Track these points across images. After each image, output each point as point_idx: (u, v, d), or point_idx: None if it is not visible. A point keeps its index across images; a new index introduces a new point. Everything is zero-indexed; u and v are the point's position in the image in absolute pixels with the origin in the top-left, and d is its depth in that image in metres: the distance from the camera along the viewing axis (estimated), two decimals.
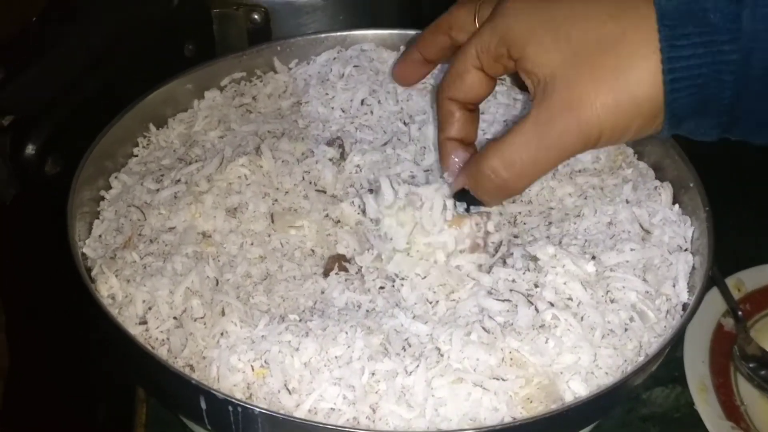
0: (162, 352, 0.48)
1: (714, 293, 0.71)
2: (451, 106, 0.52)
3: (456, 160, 0.53)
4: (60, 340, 0.63)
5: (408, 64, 0.61)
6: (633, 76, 0.41)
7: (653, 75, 0.41)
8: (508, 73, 0.49)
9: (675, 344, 0.66)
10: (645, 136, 0.44)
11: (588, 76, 0.42)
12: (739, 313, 0.69)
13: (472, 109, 0.53)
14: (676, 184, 0.58)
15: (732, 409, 0.63)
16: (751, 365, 0.65)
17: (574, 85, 0.42)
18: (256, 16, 0.77)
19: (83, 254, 0.54)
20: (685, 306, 0.51)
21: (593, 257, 0.51)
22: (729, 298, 0.70)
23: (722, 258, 0.71)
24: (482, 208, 0.53)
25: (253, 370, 0.46)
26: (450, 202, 0.52)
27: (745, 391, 0.64)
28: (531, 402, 0.45)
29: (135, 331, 0.49)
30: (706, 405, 0.63)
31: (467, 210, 0.52)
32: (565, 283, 0.49)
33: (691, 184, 0.56)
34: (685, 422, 0.63)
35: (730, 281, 0.72)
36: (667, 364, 0.67)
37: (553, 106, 0.43)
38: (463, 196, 0.51)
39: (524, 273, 0.50)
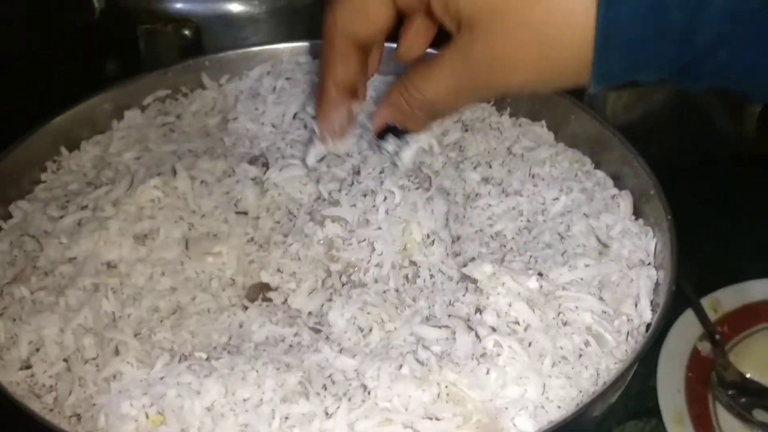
0: (48, 400, 0.42)
1: (689, 315, 0.66)
2: (346, 46, 0.45)
3: (338, 117, 0.47)
4: None
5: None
6: (558, 37, 0.37)
7: (583, 37, 0.36)
8: (415, 10, 0.43)
9: (648, 373, 0.62)
10: (566, 87, 0.40)
11: (504, 31, 0.38)
12: (717, 336, 0.63)
13: (366, 49, 0.46)
14: (637, 193, 0.53)
15: None
16: (730, 392, 0.59)
17: (491, 42, 0.38)
18: (186, 32, 0.72)
19: None
20: (649, 327, 0.45)
21: (539, 274, 0.45)
22: (705, 321, 0.65)
23: (699, 278, 0.66)
24: (408, 138, 0.47)
25: (147, 417, 0.39)
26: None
27: (725, 421, 0.58)
28: None
29: (16, 377, 0.42)
30: None
31: (395, 149, 0.47)
32: (509, 305, 0.43)
33: (652, 192, 0.50)
34: None
35: (706, 302, 0.66)
36: (640, 394, 0.61)
37: (470, 60, 0.40)
38: (385, 134, 0.46)
39: (464, 295, 0.44)
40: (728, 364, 0.61)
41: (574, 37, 0.36)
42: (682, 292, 0.66)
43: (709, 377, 0.61)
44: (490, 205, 0.52)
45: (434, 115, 0.44)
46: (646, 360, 0.62)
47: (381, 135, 0.46)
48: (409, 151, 0.48)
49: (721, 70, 0.37)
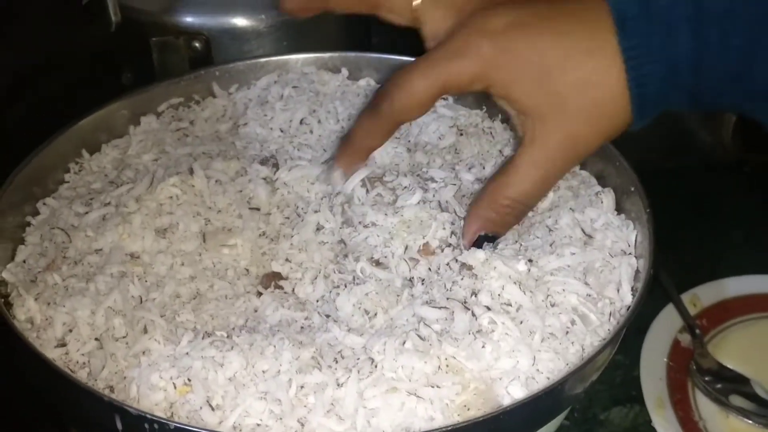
0: (82, 375, 0.46)
1: (670, 310, 0.70)
2: (394, 126, 0.51)
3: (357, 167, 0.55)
4: None
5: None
6: (610, 109, 0.46)
7: (626, 110, 0.46)
8: None
9: (632, 364, 0.66)
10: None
11: (575, 116, 0.46)
12: (696, 330, 0.68)
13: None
14: (619, 190, 0.57)
15: (690, 425, 0.61)
16: (707, 378, 0.63)
17: (561, 128, 0.47)
18: (197, 44, 0.76)
19: (1, 280, 0.51)
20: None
21: (529, 260, 0.49)
22: (685, 314, 0.69)
23: (679, 274, 0.71)
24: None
25: (175, 388, 0.43)
26: None
27: (703, 405, 0.63)
28: (468, 409, 0.42)
29: (52, 354, 0.46)
30: (664, 421, 0.61)
31: (490, 247, 0.52)
32: (502, 287, 0.47)
33: (632, 188, 0.55)
34: None
35: (686, 297, 0.71)
36: (624, 384, 0.66)
37: (549, 146, 0.47)
38: (479, 241, 0.51)
39: (462, 279, 0.48)
40: (706, 353, 0.66)
41: (617, 103, 0.46)
42: (664, 289, 0.70)
43: (689, 366, 0.65)
44: None
45: (524, 213, 0.51)
46: (629, 352, 0.67)
47: (475, 244, 0.51)
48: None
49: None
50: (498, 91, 0.47)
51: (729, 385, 0.64)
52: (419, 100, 0.48)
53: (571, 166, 0.50)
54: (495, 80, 0.47)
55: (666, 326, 0.69)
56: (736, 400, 0.63)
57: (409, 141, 0.63)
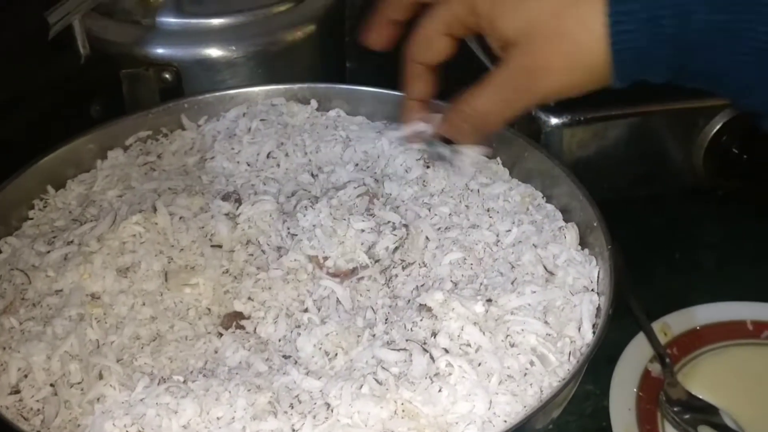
0: (35, 423, 0.45)
1: (640, 339, 0.70)
2: (418, 69, 0.55)
3: (417, 120, 0.58)
4: None
5: (380, 28, 0.59)
6: (583, 44, 0.45)
7: (602, 44, 0.45)
8: (473, 35, 0.52)
9: (602, 394, 0.65)
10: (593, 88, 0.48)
11: (540, 43, 0.46)
12: (666, 359, 0.67)
13: (435, 70, 0.55)
14: (583, 224, 0.57)
15: None
16: (675, 409, 0.63)
17: (530, 53, 0.47)
18: (167, 76, 0.76)
19: None
20: None
21: (488, 300, 0.49)
22: (656, 343, 0.69)
23: (650, 302, 0.71)
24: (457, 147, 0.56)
25: None
26: None
27: None
28: None
29: (6, 401, 0.46)
30: None
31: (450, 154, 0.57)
32: (461, 328, 0.47)
33: (595, 224, 0.55)
34: None
35: (657, 326, 0.70)
36: (594, 414, 0.65)
37: (513, 69, 0.48)
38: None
39: (422, 320, 0.48)
40: (676, 382, 0.65)
41: (594, 44, 0.45)
42: (635, 317, 0.70)
43: (659, 396, 0.65)
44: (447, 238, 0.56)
45: (481, 127, 0.51)
46: (600, 382, 0.66)
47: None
48: (467, 159, 0.58)
49: (704, 70, 0.45)
50: (486, 23, 0.49)
51: (698, 415, 0.63)
52: (426, 35, 0.53)
53: (531, 98, 0.49)
54: (481, 11, 0.49)
55: (636, 355, 0.69)
56: (706, 431, 0.62)
57: (375, 173, 0.63)
